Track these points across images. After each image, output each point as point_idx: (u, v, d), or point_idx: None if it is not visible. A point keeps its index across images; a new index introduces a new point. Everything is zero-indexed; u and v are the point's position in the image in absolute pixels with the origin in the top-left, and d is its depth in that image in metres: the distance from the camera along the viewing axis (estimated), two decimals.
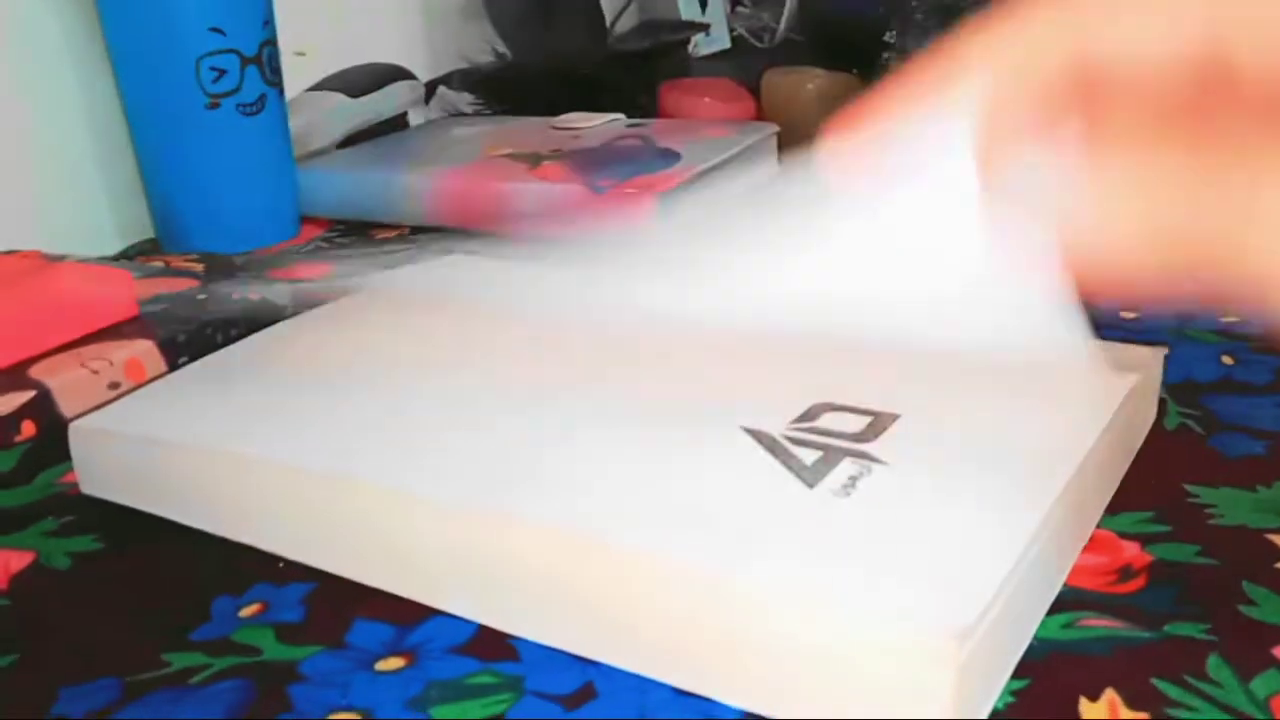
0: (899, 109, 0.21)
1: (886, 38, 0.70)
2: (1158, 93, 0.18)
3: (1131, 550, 0.29)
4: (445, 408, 0.32)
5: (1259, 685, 0.24)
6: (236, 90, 0.56)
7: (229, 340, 0.42)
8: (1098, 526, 0.30)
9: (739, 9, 1.05)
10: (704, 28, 0.95)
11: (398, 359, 0.36)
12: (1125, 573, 0.28)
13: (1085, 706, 0.24)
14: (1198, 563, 0.28)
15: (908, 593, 0.23)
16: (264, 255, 0.58)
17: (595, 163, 0.59)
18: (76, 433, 0.34)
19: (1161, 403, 0.36)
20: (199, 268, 0.55)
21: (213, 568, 0.31)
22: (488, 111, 0.78)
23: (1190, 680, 0.24)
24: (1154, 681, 0.24)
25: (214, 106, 0.56)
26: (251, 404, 0.34)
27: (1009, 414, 0.31)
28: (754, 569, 0.24)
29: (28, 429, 0.38)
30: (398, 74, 0.73)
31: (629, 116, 0.69)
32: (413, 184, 0.60)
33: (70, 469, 0.35)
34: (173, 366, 0.41)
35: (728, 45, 1.02)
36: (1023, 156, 0.19)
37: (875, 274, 0.22)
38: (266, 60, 0.57)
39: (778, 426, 0.30)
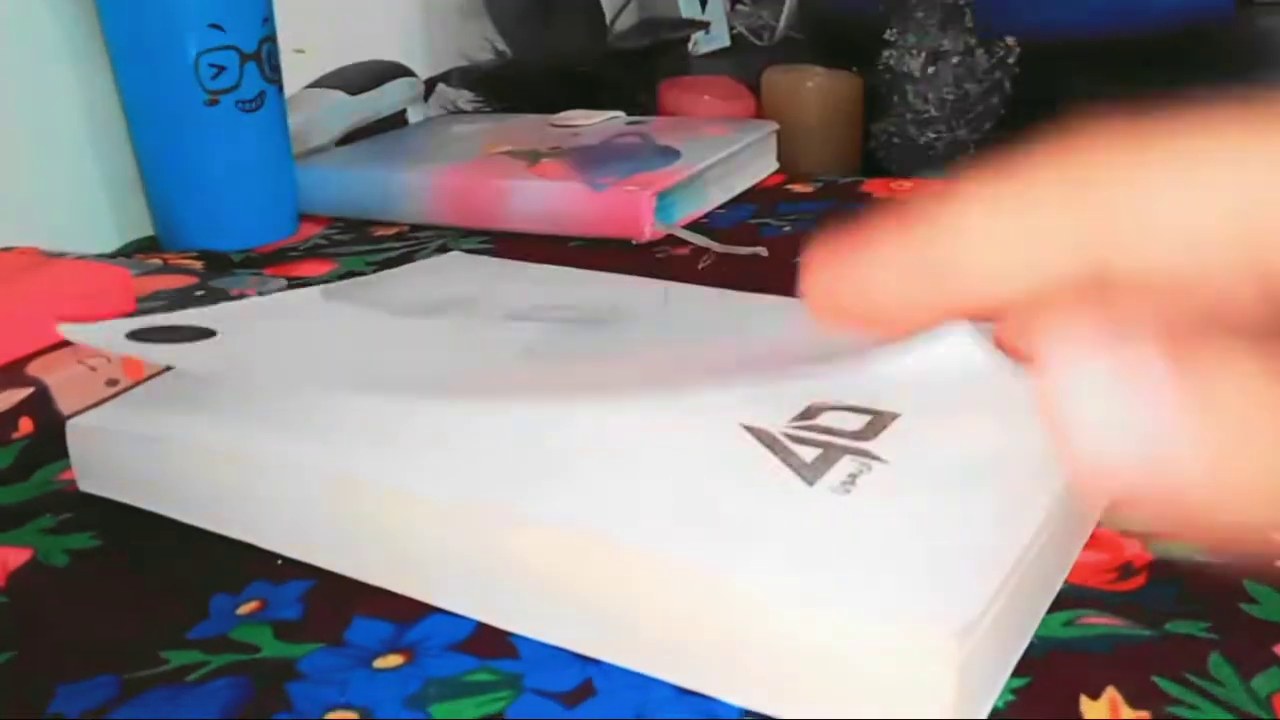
0: (893, 267, 0.18)
1: (887, 35, 0.70)
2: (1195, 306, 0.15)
3: (1133, 548, 0.29)
4: (444, 405, 0.32)
5: (1260, 683, 0.24)
6: (236, 87, 0.56)
7: None
8: (1098, 524, 0.30)
9: (739, 7, 1.05)
10: (704, 25, 0.95)
11: (395, 355, 0.36)
12: (1126, 570, 0.28)
13: (1086, 705, 0.24)
14: (1199, 560, 0.28)
15: (908, 591, 0.23)
16: (262, 252, 0.57)
17: (594, 160, 0.59)
18: (74, 430, 0.34)
19: None
20: (197, 265, 0.55)
21: (211, 565, 0.31)
22: (487, 109, 0.78)
23: (1191, 678, 0.24)
24: (1155, 679, 0.24)
25: (213, 103, 0.56)
26: (250, 401, 0.34)
27: (1009, 412, 0.30)
28: (754, 567, 0.24)
29: (25, 426, 0.37)
30: (397, 71, 0.73)
31: (628, 114, 0.69)
32: (412, 181, 0.60)
33: (68, 466, 0.35)
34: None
35: (728, 43, 1.01)
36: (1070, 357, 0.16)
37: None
38: (266, 57, 0.57)
39: (777, 424, 0.30)
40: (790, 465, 0.28)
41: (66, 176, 0.60)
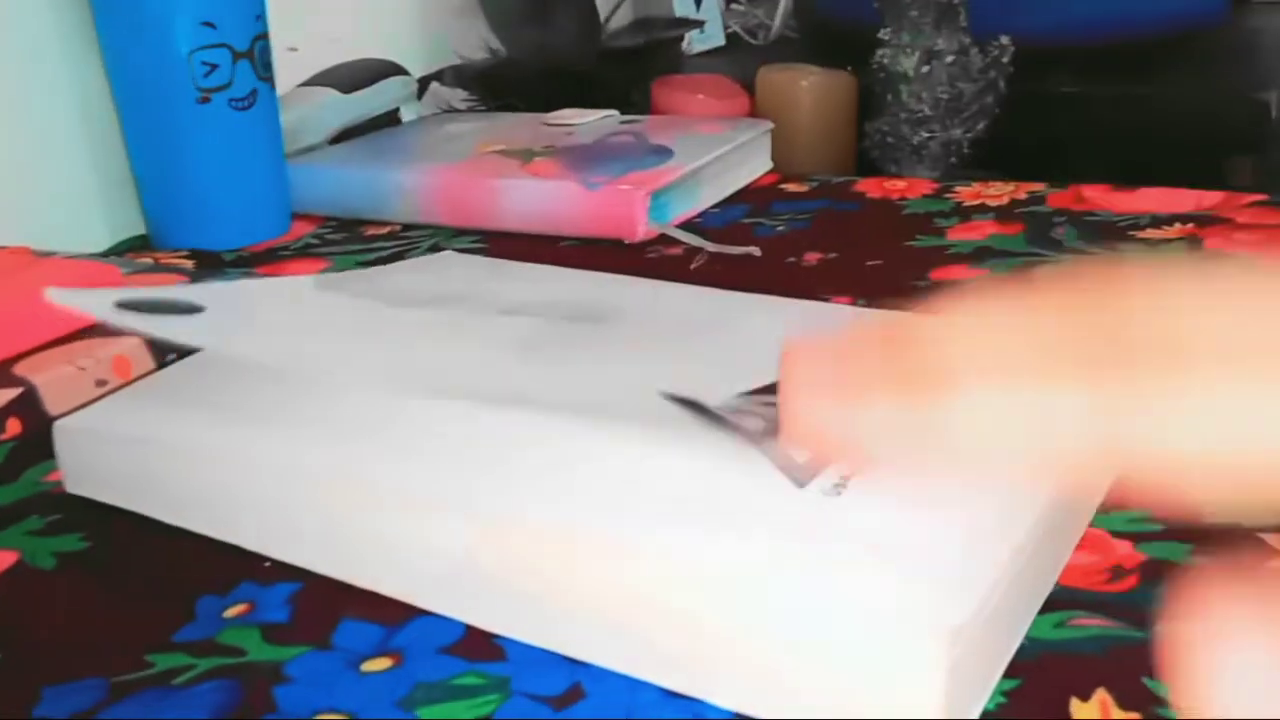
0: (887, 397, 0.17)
1: (881, 34, 0.70)
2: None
3: (1124, 549, 0.29)
4: (431, 405, 0.32)
5: None
6: (228, 85, 0.56)
7: None
8: (1090, 525, 0.30)
9: (734, 6, 1.05)
10: (698, 24, 0.95)
11: (381, 355, 0.36)
12: (1117, 572, 0.28)
13: (1076, 706, 0.24)
14: (1190, 562, 0.28)
15: (898, 592, 0.23)
16: (254, 252, 0.57)
17: (588, 159, 0.59)
18: (61, 432, 0.34)
19: None
20: (188, 264, 0.54)
21: (199, 567, 0.30)
22: (481, 108, 0.78)
23: None
24: (1145, 681, 0.24)
25: (205, 101, 0.55)
26: (239, 403, 0.34)
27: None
28: (745, 569, 0.24)
29: (13, 426, 0.37)
30: (390, 70, 0.72)
31: (622, 113, 0.69)
32: (405, 180, 0.60)
33: (56, 467, 0.34)
34: (160, 364, 0.41)
35: (722, 42, 1.01)
36: None
37: None
38: (258, 55, 0.57)
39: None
40: (781, 467, 0.28)
41: (57, 174, 0.60)
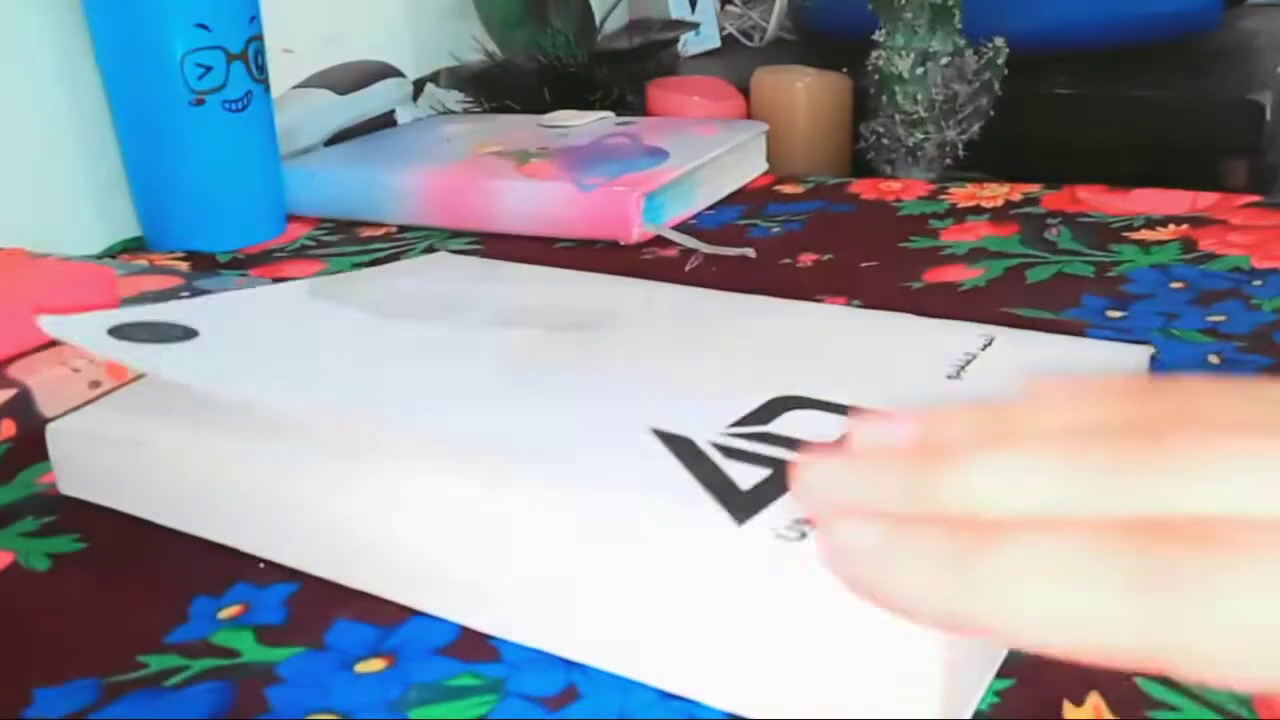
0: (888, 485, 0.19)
1: (875, 36, 0.70)
2: None
3: None
4: (424, 406, 0.32)
5: None
6: (222, 87, 0.56)
7: None
8: None
9: (729, 8, 1.05)
10: (694, 26, 0.95)
11: (371, 356, 0.36)
12: None
13: (1068, 709, 0.24)
14: None
15: None
16: (249, 253, 0.57)
17: (583, 161, 0.59)
18: (55, 434, 0.34)
19: None
20: (183, 266, 0.54)
21: (193, 568, 0.30)
22: (476, 109, 0.78)
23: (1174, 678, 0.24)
24: (1138, 681, 0.24)
25: (199, 103, 0.55)
26: (231, 405, 0.33)
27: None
28: (739, 568, 0.24)
29: (7, 428, 0.37)
30: (386, 71, 0.72)
31: (618, 115, 0.69)
32: (400, 182, 0.60)
33: (50, 469, 0.34)
34: None
35: (718, 44, 1.01)
36: None
37: None
38: (253, 57, 0.57)
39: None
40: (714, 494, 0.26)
41: (52, 177, 0.60)
